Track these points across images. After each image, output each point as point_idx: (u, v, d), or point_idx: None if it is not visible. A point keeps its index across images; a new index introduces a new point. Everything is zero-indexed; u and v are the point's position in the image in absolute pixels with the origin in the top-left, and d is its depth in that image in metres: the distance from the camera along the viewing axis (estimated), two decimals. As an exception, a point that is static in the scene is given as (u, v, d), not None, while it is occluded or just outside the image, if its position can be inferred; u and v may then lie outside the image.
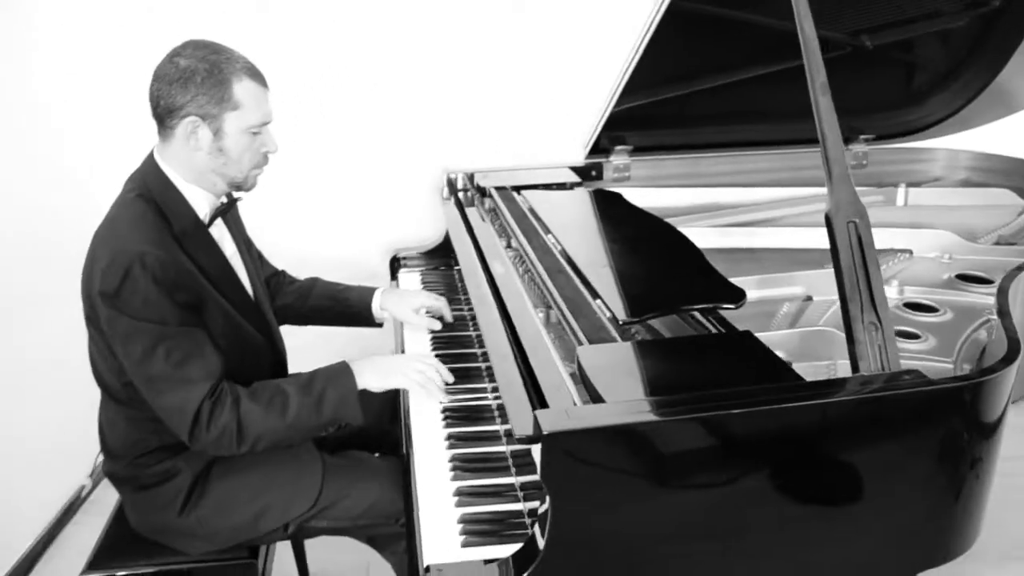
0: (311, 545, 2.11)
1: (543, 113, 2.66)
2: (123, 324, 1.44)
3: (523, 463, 1.36)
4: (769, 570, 1.15)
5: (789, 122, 2.31)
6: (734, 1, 2.01)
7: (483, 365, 1.72)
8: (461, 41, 2.58)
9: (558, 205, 2.05)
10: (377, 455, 1.91)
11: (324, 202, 2.72)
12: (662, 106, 2.31)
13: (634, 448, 1.06)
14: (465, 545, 1.26)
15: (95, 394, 1.64)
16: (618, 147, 2.46)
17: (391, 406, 1.87)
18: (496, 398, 1.56)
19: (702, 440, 1.07)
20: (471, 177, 2.42)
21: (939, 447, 1.19)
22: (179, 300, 1.47)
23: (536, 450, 1.06)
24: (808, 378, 1.41)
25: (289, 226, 2.67)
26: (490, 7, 2.56)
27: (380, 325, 2.03)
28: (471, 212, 2.22)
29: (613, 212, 1.99)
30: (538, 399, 1.23)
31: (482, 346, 1.65)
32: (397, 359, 1.64)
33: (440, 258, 2.40)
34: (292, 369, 1.80)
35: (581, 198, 2.13)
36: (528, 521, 1.29)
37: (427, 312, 1.96)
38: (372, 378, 1.60)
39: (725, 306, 1.41)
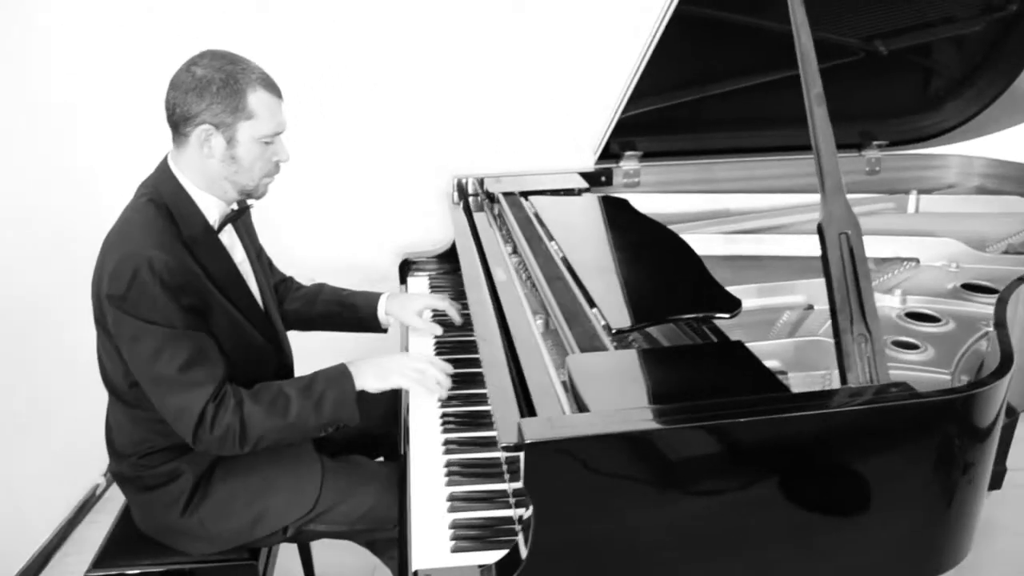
0: (317, 547, 2.14)
1: (556, 118, 2.67)
2: (130, 326, 1.48)
3: (516, 469, 1.37)
4: (752, 583, 1.16)
5: (801, 127, 2.29)
6: (743, 6, 2.00)
7: (485, 370, 1.73)
8: (476, 45, 2.59)
9: (563, 211, 2.06)
10: (380, 459, 1.94)
11: (334, 206, 2.74)
12: (673, 111, 2.30)
13: (616, 458, 1.06)
14: (455, 551, 1.27)
15: (108, 394, 1.68)
16: (628, 152, 2.46)
17: (393, 410, 1.89)
18: (495, 404, 1.57)
19: (684, 451, 1.08)
20: (481, 182, 2.44)
21: (927, 459, 1.18)
22: (185, 304, 1.50)
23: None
24: (802, 388, 1.43)
25: (299, 230, 2.71)
26: (501, 8, 2.57)
27: (386, 331, 2.06)
28: (479, 217, 2.23)
29: (617, 219, 1.99)
30: (527, 408, 1.24)
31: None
32: (395, 359, 1.66)
33: (450, 262, 2.41)
34: (298, 374, 1.83)
35: (587, 204, 2.14)
36: (517, 528, 1.30)
37: (433, 315, 1.98)
38: (371, 379, 1.62)
39: (718, 315, 1.41)
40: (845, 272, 1.24)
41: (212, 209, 1.62)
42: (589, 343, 1.39)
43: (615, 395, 1.19)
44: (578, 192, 2.32)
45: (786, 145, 2.46)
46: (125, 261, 1.46)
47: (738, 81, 2.25)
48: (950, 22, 2.20)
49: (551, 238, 1.85)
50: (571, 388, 1.22)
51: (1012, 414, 1.49)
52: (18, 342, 2.30)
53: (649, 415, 1.10)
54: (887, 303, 1.75)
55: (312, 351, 2.00)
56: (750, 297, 1.75)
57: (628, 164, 2.46)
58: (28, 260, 2.33)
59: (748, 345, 1.51)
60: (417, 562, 1.25)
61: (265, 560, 1.76)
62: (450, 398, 1.68)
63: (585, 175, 2.45)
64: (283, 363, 1.83)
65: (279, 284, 1.99)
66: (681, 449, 1.08)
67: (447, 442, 1.56)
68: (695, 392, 1.18)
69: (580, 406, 1.17)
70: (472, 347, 1.88)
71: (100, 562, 1.68)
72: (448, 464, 1.49)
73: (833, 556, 1.17)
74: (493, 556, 1.21)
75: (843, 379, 1.21)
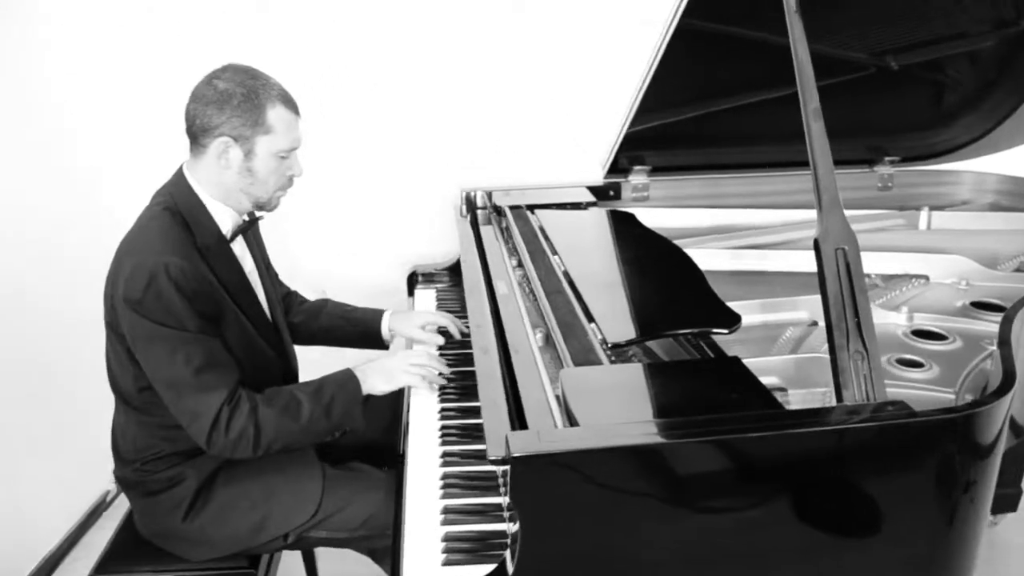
0: (322, 556, 2.15)
1: (568, 130, 2.66)
2: (145, 328, 1.50)
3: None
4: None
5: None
6: (748, 20, 2.00)
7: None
8: (491, 57, 2.58)
9: (569, 225, 2.06)
10: (384, 467, 1.94)
11: (344, 218, 2.75)
12: (681, 126, 2.30)
13: (605, 473, 1.06)
14: (446, 564, 1.27)
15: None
16: (637, 167, 2.46)
17: (397, 419, 1.90)
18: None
19: (674, 468, 1.07)
20: (490, 195, 2.44)
21: (925, 479, 1.16)
22: (199, 309, 1.52)
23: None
24: (801, 406, 1.42)
25: (308, 242, 2.72)
26: (510, 18, 2.57)
27: (387, 347, 2.07)
28: (486, 231, 2.24)
29: (622, 233, 1.99)
30: (519, 421, 1.24)
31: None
32: (396, 359, 1.71)
33: (458, 275, 2.40)
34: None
35: (593, 218, 2.14)
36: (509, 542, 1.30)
37: (437, 331, 1.99)
38: (378, 382, 1.67)
39: (716, 331, 1.40)
40: (841, 288, 1.23)
41: (225, 219, 1.65)
42: (584, 357, 1.39)
43: (607, 409, 1.18)
44: (585, 206, 2.32)
45: (794, 160, 2.44)
46: (142, 266, 1.49)
47: (746, 96, 2.24)
48: (962, 38, 2.18)
49: (554, 252, 1.85)
50: (563, 402, 1.22)
51: (1022, 433, 1.47)
52: (29, 348, 2.33)
53: (639, 430, 1.09)
54: (893, 320, 1.73)
55: (313, 360, 2.01)
56: (753, 313, 1.74)
57: (637, 179, 2.46)
58: (38, 264, 2.36)
59: (748, 361, 1.50)
60: (408, 574, 1.25)
61: (266, 568, 1.76)
62: (450, 410, 1.68)
63: (594, 189, 2.45)
64: (289, 371, 1.84)
65: (284, 297, 2.01)
66: (671, 466, 1.07)
67: (445, 454, 1.56)
68: (688, 408, 1.17)
69: (571, 420, 1.17)
70: (473, 360, 1.88)
71: (102, 567, 1.69)
72: (444, 477, 1.49)
73: (829, 576, 1.15)
74: (484, 570, 1.20)
75: (838, 397, 1.19)
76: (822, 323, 1.70)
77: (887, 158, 2.46)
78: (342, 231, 2.78)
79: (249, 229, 1.74)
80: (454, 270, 2.42)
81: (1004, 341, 1.36)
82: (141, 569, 1.68)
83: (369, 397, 1.68)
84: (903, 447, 1.15)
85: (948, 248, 2.06)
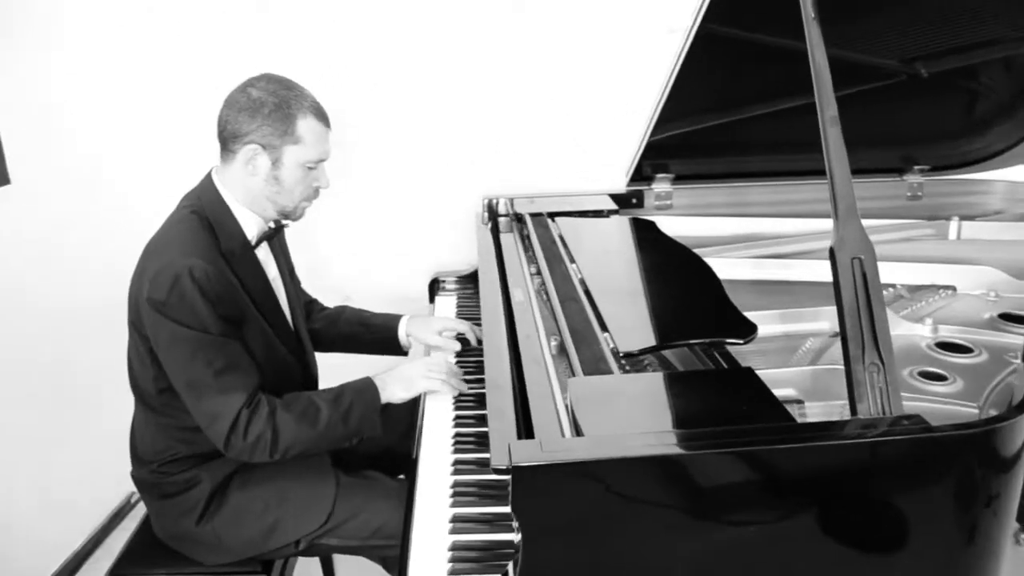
0: (340, 562, 2.15)
1: (593, 138, 2.65)
2: (168, 329, 1.52)
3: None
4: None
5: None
6: (772, 27, 1.97)
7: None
8: (519, 65, 2.59)
9: (588, 233, 2.05)
10: (399, 475, 1.94)
11: (369, 224, 2.76)
12: (705, 134, 2.27)
13: (608, 485, 1.04)
14: (452, 573, 1.26)
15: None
16: (660, 175, 2.43)
17: (413, 425, 1.89)
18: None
19: (679, 481, 1.04)
20: (512, 202, 2.44)
21: (943, 494, 1.12)
22: (222, 313, 1.54)
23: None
24: (818, 419, 1.39)
25: (332, 248, 2.74)
26: (536, 29, 2.57)
27: (406, 353, 2.07)
28: (506, 238, 2.23)
29: (641, 241, 1.97)
30: (526, 430, 1.23)
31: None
32: (414, 366, 1.71)
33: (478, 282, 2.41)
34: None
35: (613, 226, 2.12)
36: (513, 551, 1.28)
37: (455, 337, 1.98)
38: (397, 389, 1.68)
39: (731, 341, 1.37)
40: (857, 298, 1.20)
41: (251, 225, 1.66)
42: (595, 366, 1.37)
43: (614, 420, 1.16)
44: (607, 214, 2.30)
45: (820, 169, 2.40)
46: (167, 268, 1.51)
47: (772, 104, 2.21)
48: (995, 44, 2.12)
49: (572, 259, 1.84)
50: (570, 411, 1.20)
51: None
52: (55, 349, 2.37)
53: (645, 441, 1.07)
54: (917, 332, 1.69)
55: (334, 366, 2.01)
56: (773, 323, 1.71)
57: (660, 186, 2.43)
58: (61, 265, 2.39)
59: (766, 372, 1.48)
60: (413, 583, 1.24)
61: (280, 573, 1.76)
62: (464, 417, 1.68)
63: (616, 197, 2.43)
64: (309, 378, 1.85)
65: (305, 305, 2.02)
66: (677, 479, 1.05)
67: (457, 462, 1.55)
68: (697, 419, 1.15)
69: (577, 430, 1.15)
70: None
71: (117, 569, 1.71)
72: (455, 485, 1.48)
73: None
74: (489, 579, 1.19)
75: (853, 410, 1.16)
76: (844, 334, 1.69)
77: (917, 167, 2.40)
78: (367, 238, 2.79)
79: (274, 236, 1.75)
80: (475, 277, 2.42)
81: (1030, 355, 1.31)
82: (156, 571, 1.70)
83: (388, 405, 1.68)
84: (919, 462, 1.11)
85: (978, 259, 2.01)
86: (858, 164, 2.40)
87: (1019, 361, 1.33)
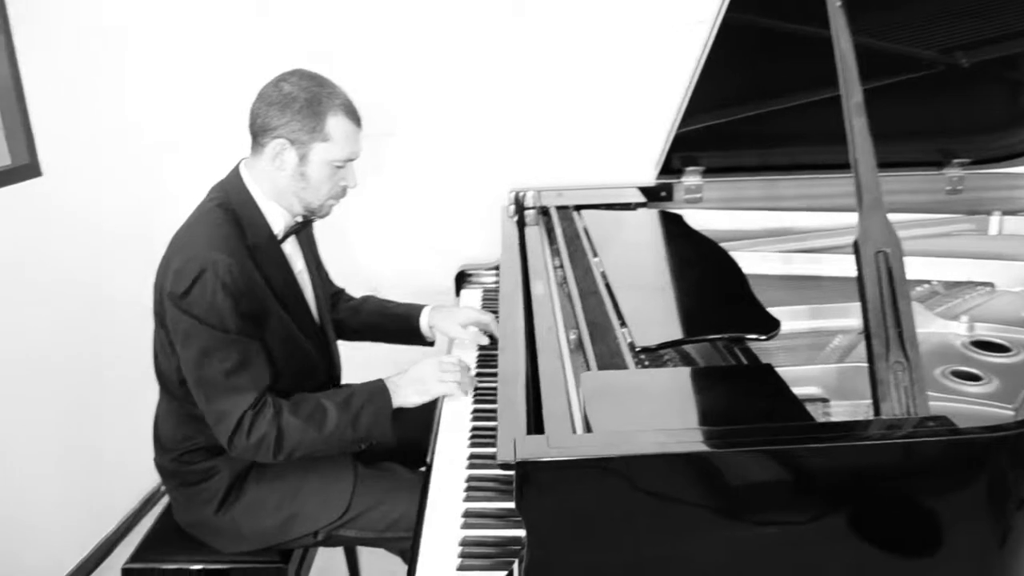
0: (364, 550, 2.14)
1: (622, 130, 2.62)
2: (185, 324, 1.52)
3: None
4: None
5: (876, 144, 2.18)
6: (801, 15, 1.91)
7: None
8: (547, 58, 2.57)
9: (614, 226, 2.01)
10: (421, 468, 1.93)
11: (397, 219, 2.77)
12: (736, 126, 2.22)
13: (614, 483, 1.01)
14: (461, 568, 1.24)
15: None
16: (690, 168, 2.39)
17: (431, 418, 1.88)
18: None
19: (688, 481, 1.01)
20: (539, 195, 2.41)
21: (971, 497, 1.08)
22: (243, 309, 1.53)
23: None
24: (844, 418, 1.34)
25: (361, 242, 2.74)
26: (569, 20, 2.54)
27: (431, 343, 2.05)
28: (531, 231, 2.20)
29: (667, 235, 1.93)
30: (536, 425, 1.20)
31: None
32: (428, 369, 1.66)
33: (505, 276, 2.39)
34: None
35: (639, 220, 2.08)
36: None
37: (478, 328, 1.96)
38: (411, 393, 1.64)
39: (752, 337, 1.33)
40: (882, 294, 1.15)
41: (277, 219, 1.66)
42: (610, 360, 1.34)
43: (625, 416, 1.13)
44: (634, 207, 2.27)
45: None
46: (191, 262, 1.51)
47: (806, 95, 2.15)
48: (1040, 32, 2.04)
49: (595, 253, 1.81)
50: (581, 406, 1.18)
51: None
52: (91, 334, 2.40)
53: (654, 439, 1.04)
54: (952, 330, 1.63)
55: (358, 362, 2.01)
56: (800, 319, 1.66)
57: (690, 179, 2.39)
58: (90, 257, 2.42)
59: (791, 369, 1.45)
60: (421, 577, 1.22)
61: (299, 563, 1.76)
62: (482, 412, 1.65)
63: (645, 190, 2.39)
64: (331, 374, 1.85)
65: (332, 296, 2.02)
66: (687, 478, 1.02)
67: (472, 456, 1.53)
68: (710, 417, 1.12)
69: (587, 425, 1.13)
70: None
71: (139, 555, 1.72)
72: (469, 479, 1.46)
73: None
74: (497, 576, 1.18)
75: (876, 410, 1.12)
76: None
77: (956, 160, 2.32)
78: (396, 231, 2.79)
79: (301, 231, 1.75)
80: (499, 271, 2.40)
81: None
82: (176, 559, 1.70)
83: (401, 409, 1.65)
84: (946, 465, 1.07)
85: (1019, 255, 1.93)
86: (895, 157, 2.37)
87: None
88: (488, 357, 1.90)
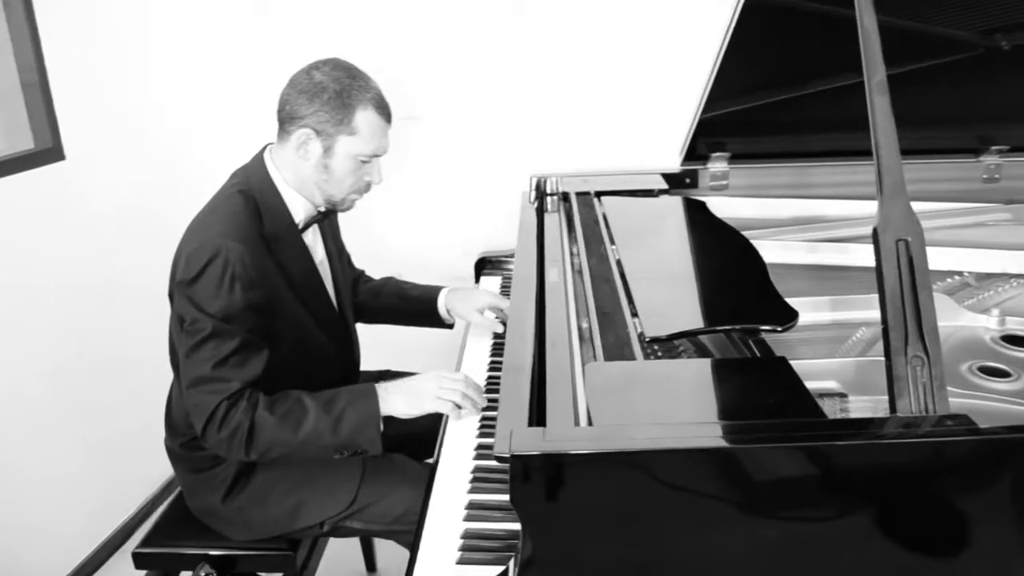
0: (380, 540, 2.14)
1: (647, 115, 2.57)
2: (187, 310, 1.50)
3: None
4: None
5: (907, 129, 2.10)
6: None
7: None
8: (573, 44, 2.53)
9: (633, 213, 1.97)
10: (428, 460, 1.90)
11: (422, 205, 2.75)
12: (763, 111, 2.15)
13: (611, 479, 0.97)
14: (461, 562, 1.21)
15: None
16: (716, 154, 2.33)
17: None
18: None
19: (688, 477, 0.97)
20: (559, 181, 2.37)
21: (993, 500, 1.02)
22: (252, 299, 1.50)
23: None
24: (861, 415, 1.29)
25: (385, 228, 2.73)
26: (598, 4, 2.49)
27: (451, 326, 2.02)
28: (550, 218, 2.16)
29: (687, 222, 1.88)
30: (539, 416, 1.17)
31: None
32: (427, 383, 1.57)
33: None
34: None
35: (659, 207, 2.03)
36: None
37: (496, 316, 1.93)
38: (401, 403, 1.56)
39: (766, 328, 1.28)
40: (902, 284, 1.10)
41: (299, 208, 1.64)
42: (618, 351, 1.30)
43: (628, 408, 1.10)
44: (657, 193, 2.21)
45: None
46: (203, 247, 1.49)
47: (837, 79, 2.08)
48: (1087, 12, 1.94)
49: (612, 240, 1.76)
50: (585, 398, 1.14)
51: None
52: (111, 318, 2.41)
53: (655, 434, 0.99)
54: (982, 324, 1.56)
55: (379, 347, 1.99)
56: (822, 310, 1.60)
57: (716, 166, 2.33)
58: (111, 241, 2.43)
59: (809, 363, 1.40)
60: (420, 570, 1.20)
61: (308, 552, 1.75)
62: (493, 401, 1.62)
63: (669, 177, 2.33)
64: (349, 362, 1.83)
65: (353, 280, 2.00)
66: (687, 475, 0.97)
67: (480, 447, 1.50)
68: (717, 411, 1.07)
69: (589, 418, 1.09)
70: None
71: (149, 540, 1.72)
72: (476, 470, 1.43)
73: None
74: (497, 570, 1.14)
75: (892, 407, 1.07)
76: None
77: (995, 147, 2.23)
78: (419, 217, 2.77)
79: (323, 221, 1.72)
80: (520, 258, 2.36)
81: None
82: (186, 544, 1.70)
83: (391, 418, 1.57)
84: (966, 466, 1.01)
85: (1060, 246, 1.85)
86: (929, 143, 2.28)
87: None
88: (503, 346, 1.87)
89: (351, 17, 2.56)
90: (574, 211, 2.07)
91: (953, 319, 1.55)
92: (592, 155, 2.60)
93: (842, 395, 1.33)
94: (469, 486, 1.39)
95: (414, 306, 1.99)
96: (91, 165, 2.35)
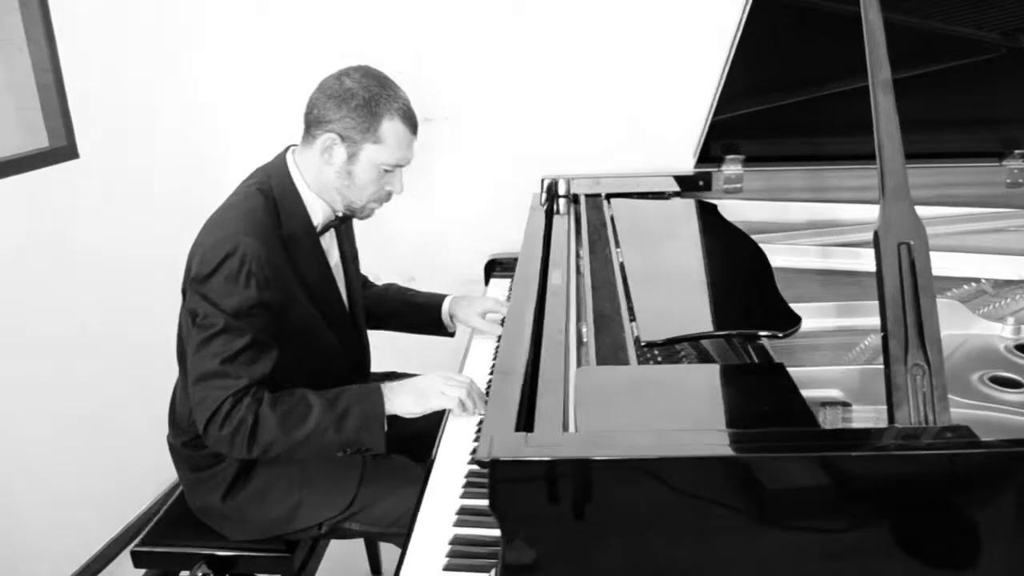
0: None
1: (662, 118, 2.53)
2: (199, 304, 1.49)
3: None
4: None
5: (923, 133, 2.05)
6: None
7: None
8: (593, 44, 2.51)
9: (642, 216, 1.93)
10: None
11: (433, 207, 2.74)
12: (779, 113, 2.11)
13: (593, 487, 0.94)
14: (447, 568, 1.19)
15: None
16: (730, 156, 2.28)
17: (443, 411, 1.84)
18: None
19: (673, 488, 0.93)
20: (570, 183, 2.34)
21: (997, 516, 0.98)
22: (265, 297, 1.50)
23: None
24: (864, 425, 1.24)
25: (397, 230, 2.72)
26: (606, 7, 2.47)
27: (452, 334, 2.01)
28: (559, 220, 2.13)
29: (696, 226, 1.84)
30: (527, 422, 1.14)
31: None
32: (433, 380, 1.57)
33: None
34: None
35: (669, 210, 1.99)
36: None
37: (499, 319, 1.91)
38: (406, 401, 1.55)
39: (766, 334, 1.25)
40: (903, 289, 1.06)
41: (318, 211, 1.64)
42: (613, 355, 1.27)
43: (617, 415, 1.07)
44: (668, 196, 2.18)
45: (912, 151, 2.20)
46: (219, 244, 1.49)
47: (853, 80, 2.03)
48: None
49: (618, 243, 1.73)
50: (573, 403, 1.11)
51: None
52: (124, 315, 2.42)
53: (639, 442, 0.97)
54: (996, 332, 1.51)
55: (383, 350, 1.98)
56: (829, 316, 1.56)
57: (730, 168, 2.28)
58: (121, 237, 2.44)
59: (813, 370, 1.36)
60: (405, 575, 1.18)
61: (306, 554, 1.74)
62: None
63: (682, 179, 2.29)
64: (359, 364, 1.83)
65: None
66: (672, 484, 0.94)
67: (475, 451, 1.47)
68: (708, 418, 1.04)
69: (575, 424, 1.06)
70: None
71: (148, 539, 1.72)
72: (469, 475, 1.40)
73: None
74: (483, 578, 1.12)
75: (890, 417, 1.03)
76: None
77: (1019, 151, 2.17)
78: (432, 220, 2.76)
79: (340, 225, 1.72)
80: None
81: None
82: (185, 543, 1.70)
83: (394, 417, 1.56)
84: (967, 480, 0.97)
85: (1082, 253, 1.79)
86: (950, 147, 2.22)
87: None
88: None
89: (363, 19, 2.56)
90: (582, 213, 2.04)
91: (966, 327, 1.50)
92: (607, 157, 2.57)
93: (845, 404, 1.29)
94: (462, 491, 1.37)
95: (418, 312, 1.98)
96: (104, 164, 2.37)
